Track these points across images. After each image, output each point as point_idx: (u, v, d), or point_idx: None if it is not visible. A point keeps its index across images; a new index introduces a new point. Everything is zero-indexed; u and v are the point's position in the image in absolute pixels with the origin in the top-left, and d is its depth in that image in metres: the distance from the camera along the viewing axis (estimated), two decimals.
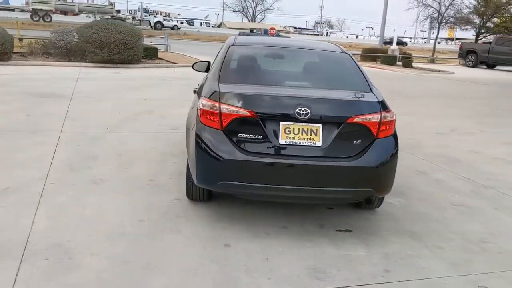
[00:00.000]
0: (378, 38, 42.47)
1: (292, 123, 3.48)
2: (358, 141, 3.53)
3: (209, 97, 3.63)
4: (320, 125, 3.49)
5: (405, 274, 3.25)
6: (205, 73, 4.93)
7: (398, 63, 26.13)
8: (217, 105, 3.54)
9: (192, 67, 5.58)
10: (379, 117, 3.56)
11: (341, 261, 3.38)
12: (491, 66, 29.05)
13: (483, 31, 35.04)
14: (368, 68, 22.53)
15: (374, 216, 4.21)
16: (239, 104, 3.51)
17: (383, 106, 3.66)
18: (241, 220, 3.95)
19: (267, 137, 3.48)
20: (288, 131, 3.48)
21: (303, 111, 3.44)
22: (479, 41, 33.79)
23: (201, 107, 3.64)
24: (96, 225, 3.68)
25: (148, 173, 4.92)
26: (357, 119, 3.52)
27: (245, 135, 3.49)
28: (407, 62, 24.83)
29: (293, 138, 3.48)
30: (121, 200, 4.20)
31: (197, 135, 3.63)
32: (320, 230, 3.85)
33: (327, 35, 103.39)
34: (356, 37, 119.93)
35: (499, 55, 27.86)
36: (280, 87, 3.92)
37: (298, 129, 3.49)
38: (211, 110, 3.56)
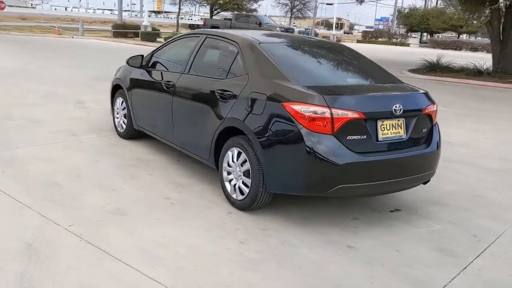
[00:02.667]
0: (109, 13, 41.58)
1: (386, 120, 3.69)
2: (425, 129, 3.98)
3: (315, 103, 3.48)
4: (404, 119, 3.80)
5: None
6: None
7: (159, 39, 26.36)
8: (327, 110, 3.44)
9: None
10: (435, 106, 4.08)
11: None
12: None
13: (217, 7, 38.17)
14: (132, 46, 22.23)
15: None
16: (348, 107, 3.51)
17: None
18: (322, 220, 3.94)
19: (369, 136, 3.60)
20: (383, 127, 3.68)
21: (398, 107, 3.68)
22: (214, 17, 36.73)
23: (308, 114, 3.46)
24: None
25: None
26: (427, 110, 3.96)
27: (353, 137, 3.53)
28: (168, 38, 25.24)
29: (386, 134, 3.70)
30: None
31: (304, 142, 3.45)
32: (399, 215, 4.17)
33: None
34: (66, 9, 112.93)
35: (239, 29, 31.08)
36: (353, 85, 4.03)
37: (390, 124, 3.72)
38: (321, 116, 3.44)
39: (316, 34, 46.51)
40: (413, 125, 3.86)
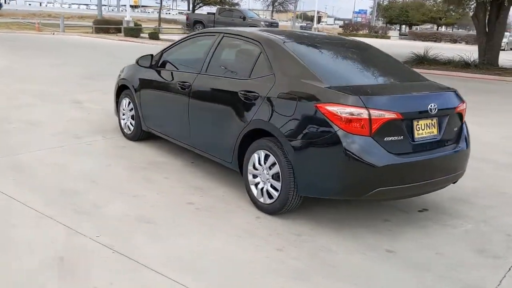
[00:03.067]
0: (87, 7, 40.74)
1: (422, 119, 3.62)
2: (456, 128, 3.92)
3: (351, 104, 3.37)
4: (437, 118, 3.73)
5: None
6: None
7: (142, 34, 25.96)
8: (364, 110, 3.34)
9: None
10: (465, 104, 4.02)
11: None
12: None
13: (198, 1, 37.75)
14: (117, 42, 21.85)
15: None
16: (386, 107, 3.42)
17: None
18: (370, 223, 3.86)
19: (406, 137, 3.52)
20: (419, 127, 3.60)
21: (433, 106, 3.61)
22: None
23: (344, 115, 3.36)
24: None
25: None
26: (458, 108, 3.90)
27: (390, 138, 3.45)
28: (154, 34, 24.95)
29: (422, 134, 3.62)
30: None
31: (341, 145, 3.35)
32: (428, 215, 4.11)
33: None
34: (40, 4, 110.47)
35: (222, 24, 30.70)
36: (384, 84, 3.95)
37: (425, 124, 3.64)
38: (358, 117, 3.35)
39: (308, 27, 46.56)
40: (446, 124, 3.79)
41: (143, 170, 4.85)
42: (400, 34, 59.57)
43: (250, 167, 4.01)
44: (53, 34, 25.22)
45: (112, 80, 10.78)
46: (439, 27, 61.21)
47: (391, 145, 3.44)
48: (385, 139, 3.41)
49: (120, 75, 6.08)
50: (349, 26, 59.33)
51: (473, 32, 67.47)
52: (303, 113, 3.55)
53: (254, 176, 4.00)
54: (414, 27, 67.54)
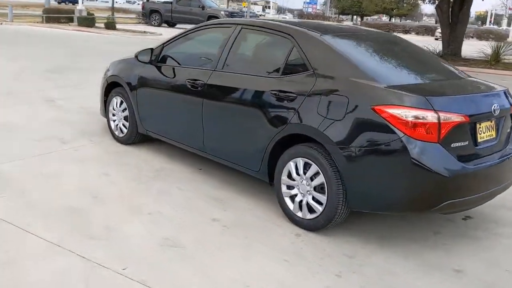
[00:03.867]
0: None
1: (483, 121, 3.29)
2: (508, 130, 3.62)
3: (417, 106, 2.97)
4: (495, 119, 3.40)
5: None
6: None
7: (97, 24, 24.67)
8: (433, 114, 2.96)
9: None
10: None
11: None
12: (172, 24, 30.77)
13: None
14: (73, 32, 20.68)
15: None
16: (454, 110, 3.05)
17: None
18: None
19: (470, 141, 3.18)
20: (481, 131, 3.27)
21: (496, 107, 3.28)
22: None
23: (410, 119, 2.95)
24: None
25: None
26: None
27: (456, 144, 3.09)
28: (110, 24, 23.74)
29: (483, 137, 3.30)
30: None
31: (407, 153, 2.95)
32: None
33: None
34: None
35: (180, 14, 29.82)
36: (441, 83, 3.57)
37: (485, 126, 3.32)
38: (426, 121, 2.95)
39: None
40: (502, 125, 3.47)
41: (151, 180, 4.29)
42: (353, 25, 60.31)
43: (284, 177, 3.55)
44: (1, 24, 23.50)
45: (81, 73, 9.99)
46: (392, 18, 62.45)
47: (458, 151, 3.07)
48: (452, 145, 3.04)
49: (107, 70, 5.42)
50: (304, 17, 59.41)
51: (423, 23, 69.11)
52: (356, 116, 3.12)
53: (289, 187, 3.54)
54: (365, 18, 68.58)
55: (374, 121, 3.04)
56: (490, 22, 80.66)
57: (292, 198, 3.54)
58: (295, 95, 3.44)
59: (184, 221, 3.54)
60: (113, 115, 5.31)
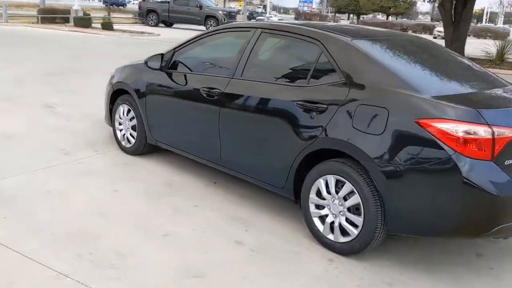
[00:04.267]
0: None
1: None
2: None
3: (468, 120, 2.67)
4: None
5: None
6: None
7: (93, 24, 24.30)
8: (486, 128, 2.66)
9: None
10: None
11: None
12: (169, 24, 30.41)
13: None
14: (69, 33, 20.31)
15: None
16: (507, 123, 2.74)
17: None
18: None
19: None
20: None
21: None
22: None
23: (461, 134, 2.65)
24: None
25: None
26: None
27: (509, 161, 2.78)
28: (107, 24, 23.36)
29: None
30: None
31: (458, 172, 2.65)
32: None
33: None
34: None
35: (178, 13, 29.45)
36: (486, 93, 3.27)
37: None
38: (478, 137, 2.65)
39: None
40: None
41: (162, 196, 3.97)
42: (351, 23, 60.09)
43: (312, 196, 3.25)
44: None
45: (81, 76, 9.63)
46: (388, 17, 62.23)
47: (510, 170, 2.76)
48: (506, 162, 2.74)
49: (113, 77, 5.10)
50: (301, 16, 59.17)
51: (420, 21, 68.91)
52: (398, 130, 2.81)
53: (319, 207, 3.24)
54: (362, 17, 68.36)
55: (418, 136, 2.74)
56: (486, 20, 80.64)
57: (322, 218, 3.24)
58: (325, 105, 3.14)
59: (205, 245, 3.24)
60: (120, 124, 4.99)
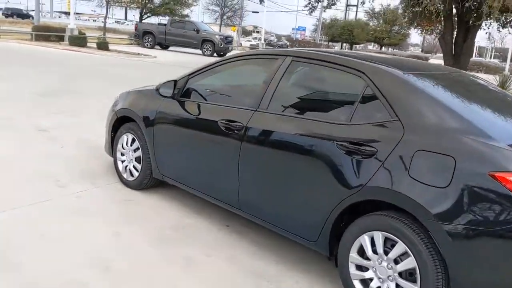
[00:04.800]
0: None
1: None
2: None
3: None
4: None
5: None
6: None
7: (89, 44, 23.92)
8: None
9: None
10: None
11: None
12: (165, 47, 30.16)
13: (146, 11, 35.90)
14: (64, 52, 19.90)
15: None
16: None
17: None
18: None
19: None
20: None
21: None
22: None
23: None
24: None
25: None
26: None
27: None
28: (103, 44, 22.99)
29: None
30: None
31: None
32: None
33: None
34: None
35: (174, 36, 29.26)
36: None
37: None
38: None
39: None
40: None
41: (172, 241, 3.47)
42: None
43: (353, 254, 2.77)
44: None
45: (76, 98, 9.10)
46: (382, 47, 62.74)
47: None
48: None
49: (116, 103, 4.63)
50: (296, 43, 59.43)
51: (412, 52, 69.65)
52: (468, 184, 2.36)
53: (361, 268, 2.77)
54: (355, 46, 68.95)
55: (493, 192, 2.29)
56: (476, 54, 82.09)
57: (365, 282, 2.76)
58: (373, 149, 2.68)
59: None
60: (122, 154, 4.50)
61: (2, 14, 48.19)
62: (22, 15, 50.24)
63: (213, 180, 3.65)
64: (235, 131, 3.37)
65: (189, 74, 3.98)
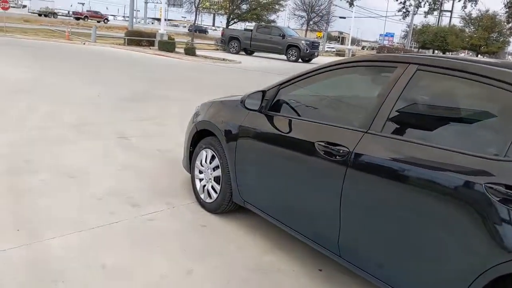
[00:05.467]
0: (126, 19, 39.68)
1: None
2: None
3: None
4: None
5: None
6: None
7: (177, 49, 24.30)
8: None
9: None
10: None
11: None
12: (250, 52, 30.03)
13: (233, 16, 36.19)
14: (153, 56, 20.23)
15: None
16: None
17: None
18: None
19: None
20: None
21: None
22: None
23: None
24: None
25: None
26: None
27: None
28: (190, 49, 23.23)
29: None
30: None
31: None
32: None
33: None
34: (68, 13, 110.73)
35: (260, 42, 29.04)
36: None
37: None
38: None
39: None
40: None
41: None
42: None
43: None
44: (84, 44, 23.71)
45: (161, 103, 8.87)
46: (479, 55, 58.66)
47: None
48: None
49: (197, 113, 4.11)
50: (384, 49, 57.26)
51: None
52: None
53: None
54: (447, 53, 65.19)
55: None
56: None
57: None
58: None
59: None
60: (200, 172, 3.97)
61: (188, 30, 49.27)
62: (201, 30, 51.14)
63: (305, 215, 2.99)
64: (338, 157, 2.67)
65: (281, 84, 3.35)
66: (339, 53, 46.48)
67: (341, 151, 2.66)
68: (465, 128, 2.49)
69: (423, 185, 2.29)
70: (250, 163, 3.42)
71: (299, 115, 3.24)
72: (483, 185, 2.05)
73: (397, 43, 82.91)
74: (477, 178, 2.09)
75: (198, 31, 51.64)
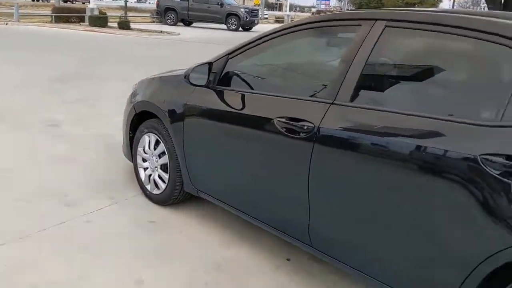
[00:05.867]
0: None
1: None
2: None
3: None
4: None
5: None
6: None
7: (109, 24, 22.99)
8: None
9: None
10: None
11: None
12: (188, 23, 29.08)
13: None
14: (84, 33, 19.03)
15: None
16: None
17: None
18: None
19: None
20: None
21: None
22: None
23: None
24: None
25: None
26: None
27: None
28: (124, 23, 22.02)
29: None
30: None
31: None
32: None
33: None
34: None
35: (198, 12, 28.10)
36: None
37: None
38: None
39: None
40: None
41: None
42: None
43: None
44: (6, 24, 21.90)
45: (94, 82, 8.14)
46: None
47: None
48: None
49: (135, 93, 3.60)
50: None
51: None
52: None
53: None
54: None
55: None
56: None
57: None
58: None
59: None
60: (144, 160, 3.49)
61: None
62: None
63: (271, 203, 2.61)
64: (302, 134, 2.28)
65: (229, 53, 2.90)
66: (278, 19, 45.98)
67: (305, 127, 2.27)
68: (449, 91, 2.15)
69: (404, 160, 1.95)
70: (201, 147, 2.98)
71: (252, 89, 2.82)
72: (478, 157, 1.73)
73: (333, 6, 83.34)
74: (470, 149, 1.76)
75: None
